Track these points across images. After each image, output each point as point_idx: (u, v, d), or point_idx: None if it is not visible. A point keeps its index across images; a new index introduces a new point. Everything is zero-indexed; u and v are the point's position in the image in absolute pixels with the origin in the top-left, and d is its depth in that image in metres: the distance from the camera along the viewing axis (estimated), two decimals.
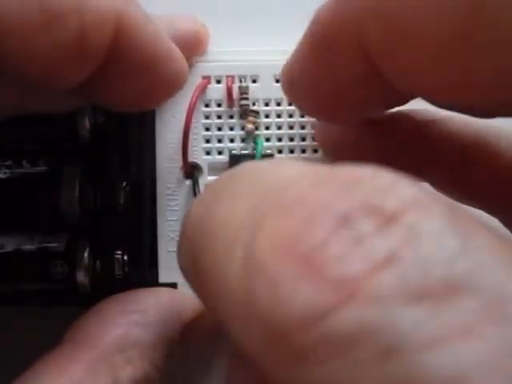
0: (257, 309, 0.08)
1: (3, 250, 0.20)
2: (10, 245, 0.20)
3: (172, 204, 0.21)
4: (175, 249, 0.20)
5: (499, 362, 0.07)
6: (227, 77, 0.21)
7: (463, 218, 0.08)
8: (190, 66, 0.20)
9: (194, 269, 0.11)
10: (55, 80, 0.13)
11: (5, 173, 0.20)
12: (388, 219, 0.08)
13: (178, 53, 0.16)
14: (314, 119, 0.21)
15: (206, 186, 0.20)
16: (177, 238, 0.21)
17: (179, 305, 0.19)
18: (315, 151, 0.21)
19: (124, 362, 0.17)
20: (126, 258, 0.20)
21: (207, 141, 0.21)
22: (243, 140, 0.21)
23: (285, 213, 0.09)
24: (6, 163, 0.20)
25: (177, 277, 0.20)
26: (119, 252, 0.20)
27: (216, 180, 0.13)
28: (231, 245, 0.09)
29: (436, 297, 0.07)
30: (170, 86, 0.16)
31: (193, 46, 0.20)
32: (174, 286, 0.20)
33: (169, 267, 0.20)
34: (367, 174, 0.09)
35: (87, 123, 0.20)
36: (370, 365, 0.07)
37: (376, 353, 0.07)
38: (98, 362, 0.16)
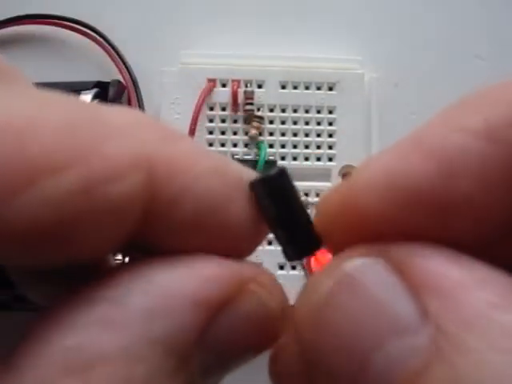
0: None
1: None
2: None
3: None
4: None
5: None
6: (233, 81, 0.20)
7: None
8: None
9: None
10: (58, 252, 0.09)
11: None
12: None
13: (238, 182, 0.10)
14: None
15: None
16: None
17: None
18: (318, 159, 0.21)
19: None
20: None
21: (210, 144, 0.20)
22: (246, 145, 0.21)
23: None
24: None
25: None
26: (119, 258, 0.20)
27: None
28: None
29: None
30: (235, 239, 0.11)
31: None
32: None
33: None
34: None
35: None
36: None
37: None
38: None
